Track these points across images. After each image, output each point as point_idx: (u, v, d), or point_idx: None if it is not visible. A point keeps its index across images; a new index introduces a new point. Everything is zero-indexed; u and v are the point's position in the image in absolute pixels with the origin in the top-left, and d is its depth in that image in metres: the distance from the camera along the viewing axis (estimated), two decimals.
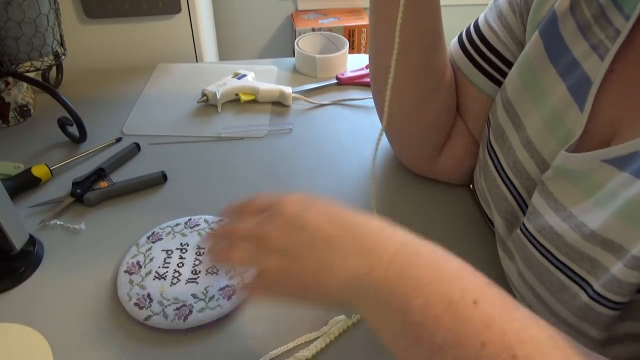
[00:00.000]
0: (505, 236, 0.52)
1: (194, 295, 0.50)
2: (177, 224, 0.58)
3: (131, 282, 0.51)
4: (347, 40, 0.90)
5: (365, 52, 1.68)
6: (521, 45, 0.54)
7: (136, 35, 0.97)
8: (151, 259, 0.54)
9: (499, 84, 0.57)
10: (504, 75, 0.56)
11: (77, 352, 0.47)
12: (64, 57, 0.73)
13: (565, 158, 0.42)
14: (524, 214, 0.49)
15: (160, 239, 0.56)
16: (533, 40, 0.49)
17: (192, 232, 0.57)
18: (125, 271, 0.53)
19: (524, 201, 0.49)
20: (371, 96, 0.83)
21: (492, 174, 0.53)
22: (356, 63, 0.92)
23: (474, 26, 0.60)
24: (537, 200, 0.45)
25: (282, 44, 1.80)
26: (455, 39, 0.63)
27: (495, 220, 0.53)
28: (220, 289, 0.51)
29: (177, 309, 0.49)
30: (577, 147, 0.42)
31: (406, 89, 0.58)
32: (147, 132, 0.75)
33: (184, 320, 0.48)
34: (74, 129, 0.71)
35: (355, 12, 1.71)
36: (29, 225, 0.59)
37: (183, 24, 0.98)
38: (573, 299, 0.40)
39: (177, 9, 0.95)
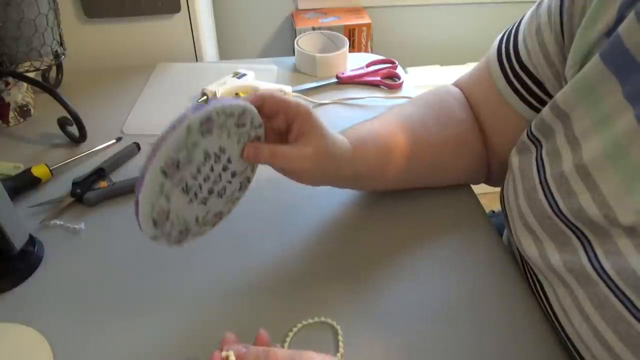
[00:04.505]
0: (554, 259, 0.44)
1: (196, 220, 0.45)
2: (232, 115, 0.43)
3: (162, 187, 0.41)
4: (347, 39, 0.90)
5: (365, 51, 1.67)
6: (554, 66, 0.49)
7: (136, 35, 0.97)
8: (189, 162, 0.42)
9: (532, 107, 0.53)
10: (537, 99, 0.53)
11: (77, 352, 0.46)
12: (63, 57, 0.73)
13: None
14: (582, 245, 0.41)
15: (210, 132, 0.42)
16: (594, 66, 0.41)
17: (234, 135, 0.44)
18: (163, 169, 0.40)
19: (583, 234, 0.41)
20: (371, 95, 0.84)
21: (543, 205, 0.45)
22: (356, 62, 0.92)
23: (514, 35, 0.54)
24: (623, 242, 0.37)
25: (282, 43, 1.80)
26: (497, 40, 0.58)
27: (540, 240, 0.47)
28: (214, 215, 0.47)
29: (180, 232, 0.44)
30: None
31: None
32: (147, 131, 0.75)
33: (178, 244, 0.45)
34: (74, 129, 0.71)
35: (355, 11, 1.70)
36: (29, 225, 0.58)
37: (183, 23, 0.98)
38: None
39: (176, 8, 0.95)
